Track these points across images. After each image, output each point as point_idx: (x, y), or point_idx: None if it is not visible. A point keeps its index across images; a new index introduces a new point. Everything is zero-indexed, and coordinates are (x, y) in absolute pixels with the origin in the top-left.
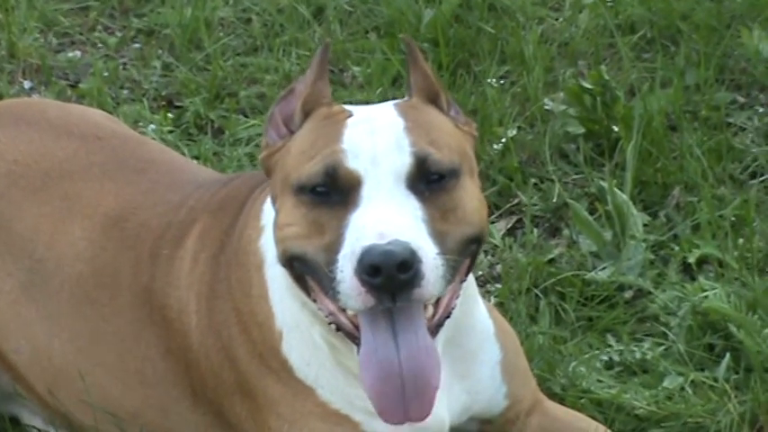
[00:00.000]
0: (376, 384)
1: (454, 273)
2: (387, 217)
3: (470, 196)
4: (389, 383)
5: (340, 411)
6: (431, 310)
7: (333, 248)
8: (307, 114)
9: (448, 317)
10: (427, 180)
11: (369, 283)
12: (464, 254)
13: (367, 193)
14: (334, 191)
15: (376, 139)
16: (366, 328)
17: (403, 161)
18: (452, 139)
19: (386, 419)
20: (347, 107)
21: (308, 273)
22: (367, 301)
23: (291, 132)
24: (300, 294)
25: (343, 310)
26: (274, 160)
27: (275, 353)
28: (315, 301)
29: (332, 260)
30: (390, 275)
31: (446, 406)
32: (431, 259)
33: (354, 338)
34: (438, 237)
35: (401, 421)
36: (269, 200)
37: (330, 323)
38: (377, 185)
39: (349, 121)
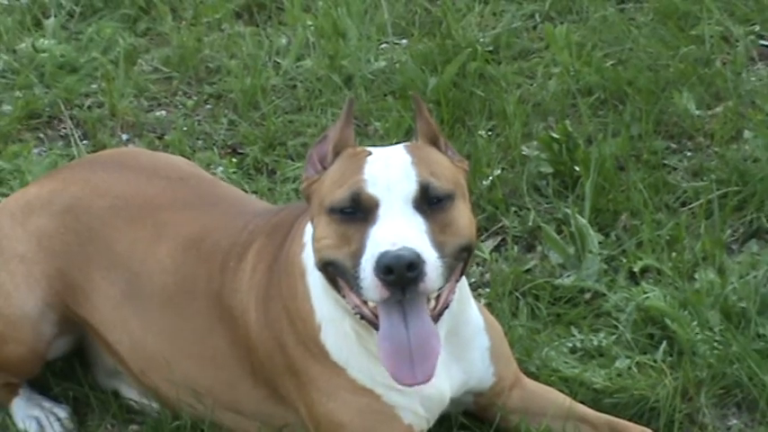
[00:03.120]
0: (390, 356)
1: (450, 273)
2: (398, 230)
3: (462, 215)
4: (400, 354)
5: (365, 386)
6: (433, 303)
7: (357, 255)
8: (337, 154)
9: (446, 308)
10: (429, 202)
11: (384, 280)
12: (458, 259)
13: (383, 212)
14: (358, 211)
15: (390, 171)
16: (383, 315)
17: (410, 188)
18: (449, 171)
19: (399, 381)
20: (368, 148)
21: (339, 274)
22: (383, 293)
23: (325, 168)
24: (333, 294)
25: (366, 303)
26: (312, 189)
27: (315, 341)
28: (344, 297)
29: (356, 264)
30: (401, 274)
31: (447, 382)
32: (432, 261)
33: (374, 324)
34: (438, 245)
35: (411, 382)
36: (309, 223)
37: (356, 314)
38: (390, 206)
39: (369, 158)
